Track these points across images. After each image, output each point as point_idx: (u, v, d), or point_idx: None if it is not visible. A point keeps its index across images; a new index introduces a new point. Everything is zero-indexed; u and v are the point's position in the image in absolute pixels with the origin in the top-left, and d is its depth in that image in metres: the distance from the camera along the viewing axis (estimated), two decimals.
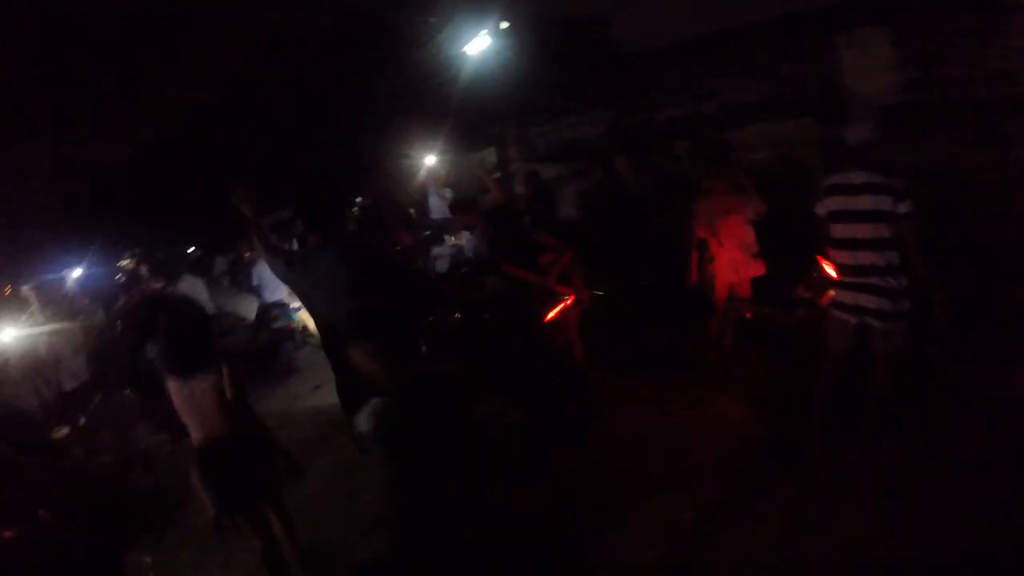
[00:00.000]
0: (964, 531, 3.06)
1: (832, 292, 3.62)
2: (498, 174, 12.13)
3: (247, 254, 8.75)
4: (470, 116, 11.26)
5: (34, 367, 6.10)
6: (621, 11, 8.78)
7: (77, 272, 12.62)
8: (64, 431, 5.60)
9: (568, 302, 4.75)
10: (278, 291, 8.07)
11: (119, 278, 13.24)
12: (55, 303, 9.09)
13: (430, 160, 11.21)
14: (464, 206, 6.25)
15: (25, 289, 10.72)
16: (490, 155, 12.14)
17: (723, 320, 5.32)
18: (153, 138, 12.35)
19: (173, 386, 3.20)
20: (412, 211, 10.41)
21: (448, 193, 10.75)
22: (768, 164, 6.51)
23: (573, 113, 9.30)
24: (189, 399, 3.18)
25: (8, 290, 9.68)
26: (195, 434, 3.22)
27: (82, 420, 5.89)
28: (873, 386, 3.61)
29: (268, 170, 13.31)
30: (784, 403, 4.40)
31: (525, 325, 4.74)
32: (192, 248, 19.47)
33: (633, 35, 8.43)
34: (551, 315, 4.70)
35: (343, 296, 3.22)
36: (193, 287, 7.21)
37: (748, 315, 5.37)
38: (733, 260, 5.06)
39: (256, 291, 8.43)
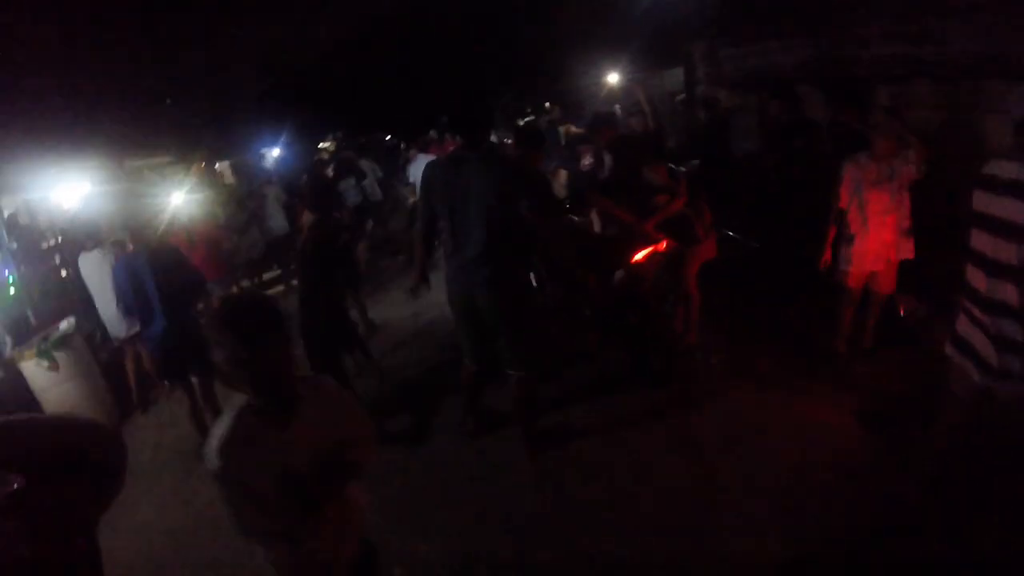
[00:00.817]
0: None
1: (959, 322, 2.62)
2: (682, 96, 11.24)
3: (412, 151, 9.03)
4: (661, 31, 10.34)
5: None
6: None
7: (275, 151, 13.93)
8: None
9: (660, 247, 4.57)
10: None
11: (317, 158, 14.46)
12: (247, 176, 10.24)
13: (613, 78, 10.56)
14: (598, 126, 5.82)
15: (219, 165, 12.16)
16: (676, 76, 11.20)
17: (861, 312, 4.53)
18: (352, 32, 12.77)
19: None
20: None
21: (618, 109, 10.18)
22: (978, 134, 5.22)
23: (768, 37, 8.11)
24: None
25: (203, 164, 10.92)
26: None
27: None
28: None
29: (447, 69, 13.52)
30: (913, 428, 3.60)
31: (606, 262, 4.72)
32: (388, 136, 20.76)
33: None
34: (637, 257, 4.58)
35: (467, 196, 3.52)
36: (372, 170, 7.89)
37: (901, 311, 4.52)
38: (881, 244, 4.18)
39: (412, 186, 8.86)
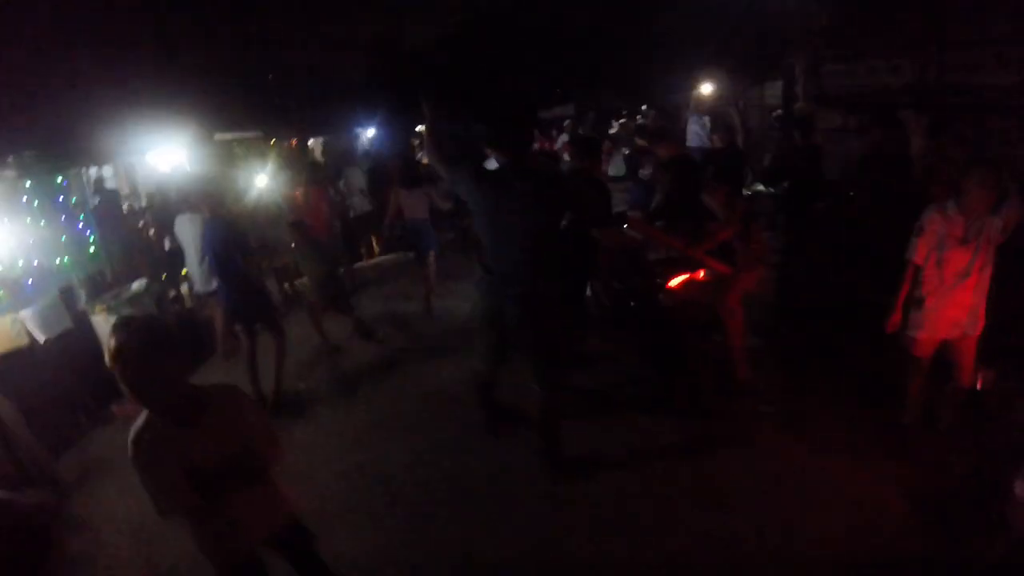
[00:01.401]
0: None
1: None
2: (779, 112, 10.68)
3: None
4: (762, 40, 9.83)
5: None
6: None
7: (370, 132, 14.34)
8: None
9: (697, 275, 4.45)
10: None
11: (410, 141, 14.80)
12: (335, 157, 10.63)
13: (706, 88, 10.16)
14: (657, 140, 5.58)
15: (312, 142, 12.56)
16: (776, 89, 10.63)
17: (934, 383, 3.99)
18: (458, 22, 12.89)
19: None
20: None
21: (707, 122, 9.81)
22: None
23: (874, 56, 7.56)
24: None
25: (294, 143, 11.35)
26: None
27: None
28: None
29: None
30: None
31: (643, 286, 4.69)
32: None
33: None
34: (672, 284, 4.48)
35: (504, 214, 3.50)
36: None
37: (979, 385, 3.98)
38: (959, 310, 3.65)
39: None
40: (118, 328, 2.09)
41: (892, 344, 3.98)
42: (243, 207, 6.32)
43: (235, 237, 5.14)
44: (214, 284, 5.92)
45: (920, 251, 3.68)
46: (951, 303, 3.63)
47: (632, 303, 5.04)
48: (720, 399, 4.68)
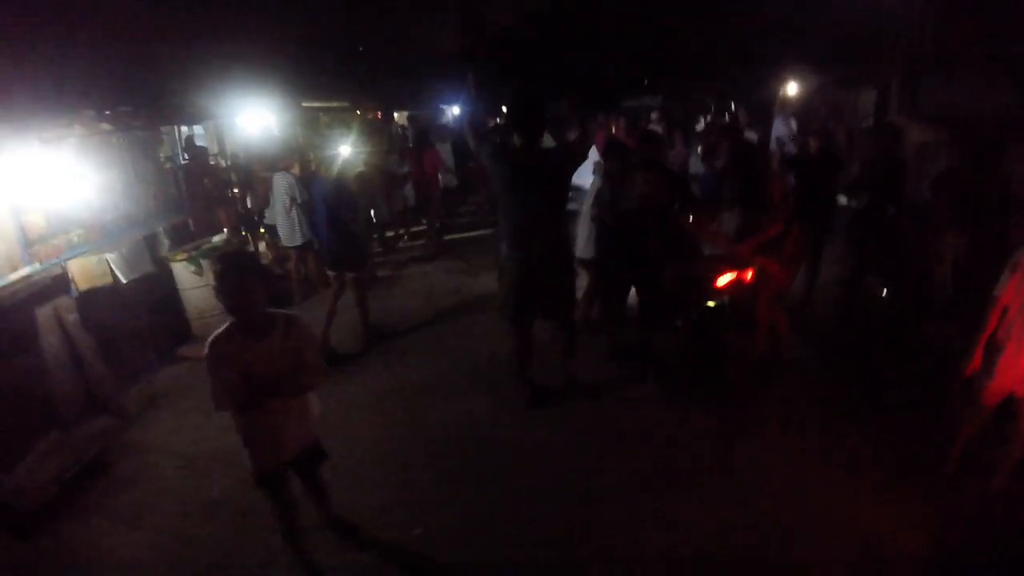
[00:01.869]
0: None
1: None
2: (870, 121, 10.21)
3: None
4: (857, 47, 9.41)
5: None
6: None
7: (455, 109, 14.60)
8: None
9: (744, 275, 4.50)
10: (580, 176, 8.25)
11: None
12: (420, 128, 10.93)
13: (793, 88, 9.84)
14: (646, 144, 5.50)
15: (397, 115, 12.89)
16: (867, 97, 10.16)
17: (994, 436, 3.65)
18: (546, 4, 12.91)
19: None
20: None
21: (794, 123, 9.49)
22: None
23: (977, 71, 7.13)
24: None
25: (379, 114, 11.70)
26: None
27: None
28: None
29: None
30: None
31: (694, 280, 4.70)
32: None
33: None
34: (720, 283, 4.57)
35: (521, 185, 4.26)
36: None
37: None
38: None
39: None
40: (223, 255, 2.93)
41: (942, 382, 3.81)
42: (349, 170, 6.83)
43: (345, 195, 5.93)
44: (299, 238, 7.22)
45: (1010, 290, 3.29)
46: None
47: (680, 296, 4.98)
48: (749, 395, 4.74)
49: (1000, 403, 3.44)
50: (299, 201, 7.15)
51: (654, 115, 12.98)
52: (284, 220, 7.27)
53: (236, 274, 2.64)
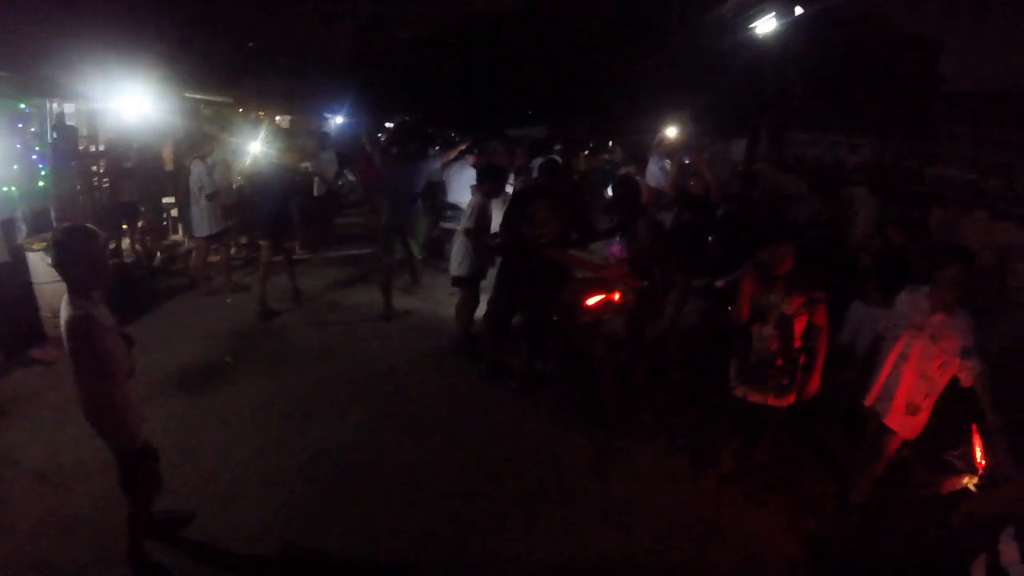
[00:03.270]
0: None
1: None
2: (738, 167, 11.11)
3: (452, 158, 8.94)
4: (732, 99, 10.26)
5: None
6: (967, 43, 7.01)
7: (339, 119, 14.36)
8: None
9: (613, 296, 4.78)
10: (460, 194, 8.35)
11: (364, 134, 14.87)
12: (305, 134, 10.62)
13: (671, 131, 10.48)
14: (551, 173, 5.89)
15: (279, 118, 12.43)
16: (738, 146, 11.08)
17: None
18: (447, 24, 12.91)
19: None
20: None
21: (667, 164, 10.10)
22: None
23: (839, 131, 8.00)
24: None
25: (262, 114, 11.23)
26: None
27: None
28: None
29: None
30: None
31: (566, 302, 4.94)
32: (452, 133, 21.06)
33: (968, 71, 6.81)
34: (589, 302, 4.80)
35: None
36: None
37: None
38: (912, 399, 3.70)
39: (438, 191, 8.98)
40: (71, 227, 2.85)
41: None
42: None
43: (287, 181, 6.95)
44: (207, 228, 7.13)
45: (905, 343, 3.70)
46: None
47: (554, 317, 5.29)
48: (623, 412, 4.98)
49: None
50: (208, 191, 7.02)
51: (557, 146, 13.29)
52: (195, 209, 7.09)
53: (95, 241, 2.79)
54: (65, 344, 2.76)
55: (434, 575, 3.39)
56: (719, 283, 5.49)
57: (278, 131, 9.28)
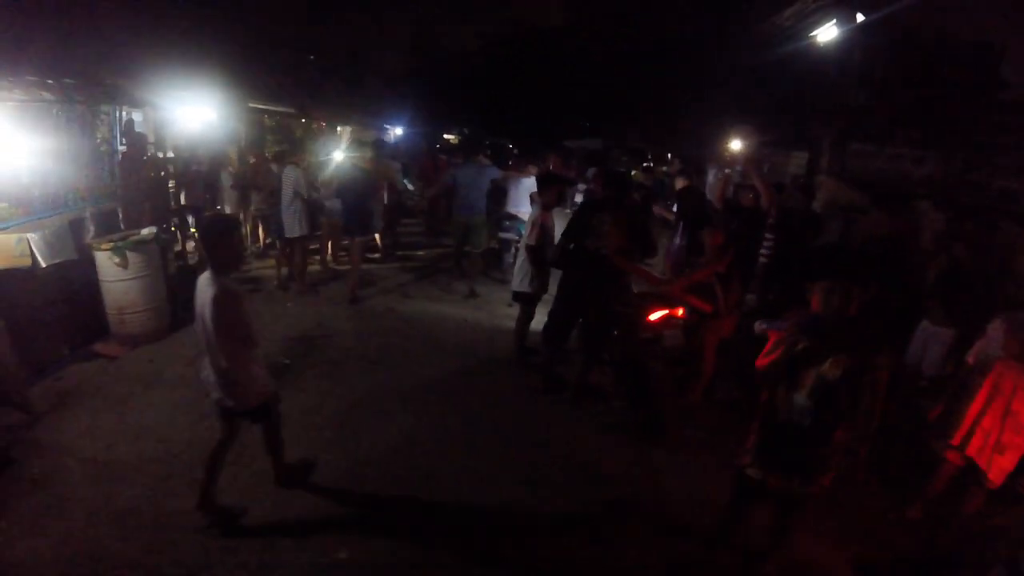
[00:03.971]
0: None
1: None
2: (800, 179, 10.79)
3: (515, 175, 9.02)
4: (793, 109, 10.00)
5: None
6: None
7: (398, 130, 14.62)
8: None
9: (676, 312, 4.76)
10: (518, 204, 8.39)
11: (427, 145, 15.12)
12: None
13: (733, 143, 10.29)
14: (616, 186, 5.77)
15: (340, 129, 12.73)
16: (799, 159, 10.77)
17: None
18: (505, 39, 13.04)
19: None
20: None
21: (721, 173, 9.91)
22: None
23: (902, 142, 7.70)
24: None
25: (323, 124, 11.52)
26: None
27: None
28: None
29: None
30: None
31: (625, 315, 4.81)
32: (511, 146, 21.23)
33: None
34: (652, 318, 4.78)
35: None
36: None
37: None
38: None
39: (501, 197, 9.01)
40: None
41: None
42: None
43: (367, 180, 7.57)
44: (298, 230, 7.45)
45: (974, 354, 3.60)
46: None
47: (614, 331, 5.12)
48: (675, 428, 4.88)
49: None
50: (304, 195, 7.41)
51: (625, 158, 13.19)
52: (287, 212, 7.44)
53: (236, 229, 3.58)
54: (209, 316, 3.25)
55: None
56: (758, 327, 4.49)
57: (357, 140, 9.81)
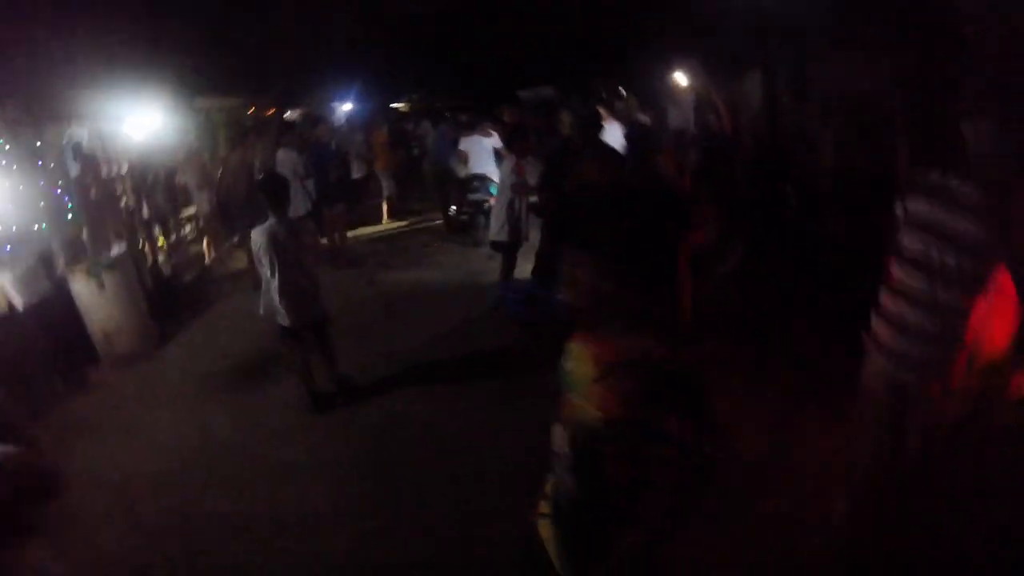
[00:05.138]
0: None
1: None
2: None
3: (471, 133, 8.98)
4: (740, 29, 9.82)
5: None
6: None
7: (347, 106, 14.29)
8: None
9: None
10: (484, 166, 8.38)
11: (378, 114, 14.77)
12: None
13: (682, 75, 10.18)
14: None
15: (289, 113, 12.42)
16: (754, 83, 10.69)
17: None
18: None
19: None
20: None
21: (643, 118, 9.94)
22: None
23: (857, 50, 7.56)
24: None
25: (271, 111, 11.23)
26: None
27: None
28: None
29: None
30: None
31: None
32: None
33: None
34: None
35: None
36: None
37: None
38: None
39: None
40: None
41: None
42: None
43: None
44: (302, 209, 7.67)
45: None
46: None
47: None
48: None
49: None
50: (302, 176, 7.89)
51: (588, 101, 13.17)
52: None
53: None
54: (291, 247, 4.39)
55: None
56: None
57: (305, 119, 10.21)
